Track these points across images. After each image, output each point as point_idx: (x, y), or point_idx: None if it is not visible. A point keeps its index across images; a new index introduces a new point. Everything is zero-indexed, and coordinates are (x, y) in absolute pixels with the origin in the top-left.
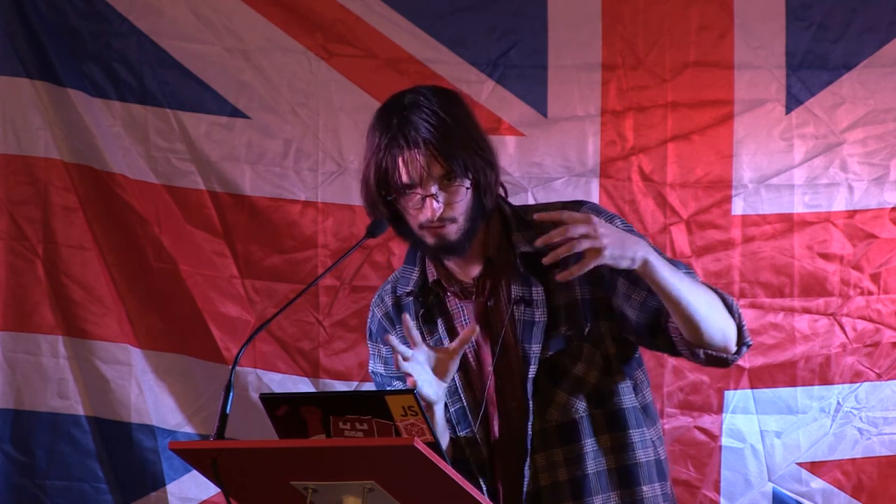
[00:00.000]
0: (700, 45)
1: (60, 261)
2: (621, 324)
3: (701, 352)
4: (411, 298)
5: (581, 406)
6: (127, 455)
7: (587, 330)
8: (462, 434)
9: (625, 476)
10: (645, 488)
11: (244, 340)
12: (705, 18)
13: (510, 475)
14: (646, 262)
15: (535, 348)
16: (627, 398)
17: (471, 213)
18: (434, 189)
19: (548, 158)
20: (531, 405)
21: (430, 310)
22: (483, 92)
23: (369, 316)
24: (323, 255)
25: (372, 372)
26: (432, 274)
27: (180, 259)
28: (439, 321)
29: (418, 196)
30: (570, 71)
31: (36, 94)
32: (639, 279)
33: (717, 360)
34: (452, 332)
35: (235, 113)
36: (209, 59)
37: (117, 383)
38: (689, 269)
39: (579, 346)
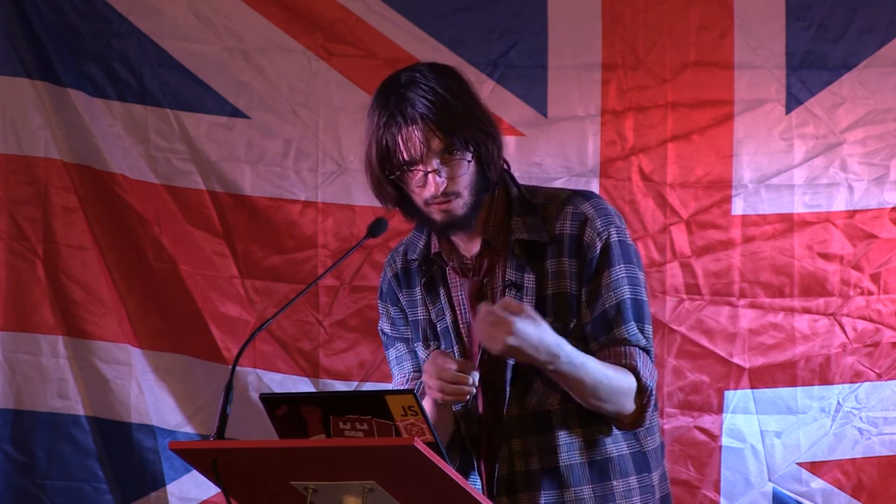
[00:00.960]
0: (700, 45)
1: (60, 261)
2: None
3: None
4: (416, 265)
5: (556, 398)
6: (127, 455)
7: (572, 324)
8: (457, 408)
9: (596, 470)
10: (615, 483)
11: (244, 340)
12: (705, 18)
13: (490, 456)
14: (545, 369)
15: None
16: None
17: (475, 186)
18: (435, 164)
19: (548, 158)
20: (508, 390)
21: (434, 279)
22: (483, 92)
23: (382, 276)
24: (323, 255)
25: (380, 329)
26: (435, 246)
27: (180, 259)
28: (441, 291)
29: (420, 173)
30: (570, 71)
31: (36, 94)
32: (596, 296)
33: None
34: (452, 304)
35: (235, 113)
36: (209, 59)
37: (117, 383)
38: (642, 322)
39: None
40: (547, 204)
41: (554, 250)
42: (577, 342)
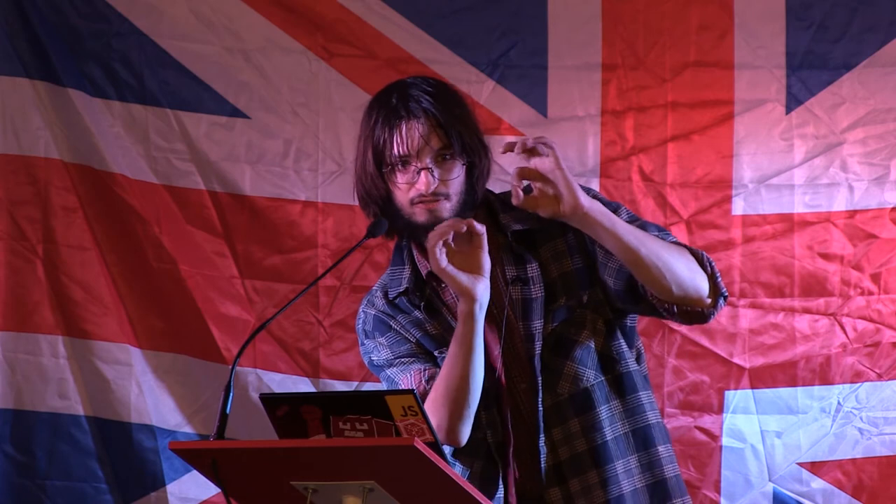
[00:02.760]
0: (700, 45)
1: (60, 261)
2: (605, 292)
3: (675, 307)
4: (404, 298)
5: (591, 374)
6: (127, 455)
7: (586, 298)
8: (485, 413)
9: (640, 438)
10: (661, 448)
11: (244, 340)
12: (705, 18)
13: (525, 456)
14: (580, 213)
15: (538, 324)
16: (632, 362)
17: (462, 196)
18: (429, 162)
19: None
20: (540, 381)
21: (431, 301)
22: (483, 92)
23: (360, 320)
24: (323, 255)
25: (370, 363)
26: (425, 267)
27: (180, 259)
28: (444, 310)
29: (413, 168)
30: (570, 71)
31: (36, 94)
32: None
33: (693, 315)
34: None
35: (235, 113)
36: (209, 59)
37: (117, 383)
38: (662, 231)
39: (582, 315)
40: None
41: (544, 235)
42: (595, 313)
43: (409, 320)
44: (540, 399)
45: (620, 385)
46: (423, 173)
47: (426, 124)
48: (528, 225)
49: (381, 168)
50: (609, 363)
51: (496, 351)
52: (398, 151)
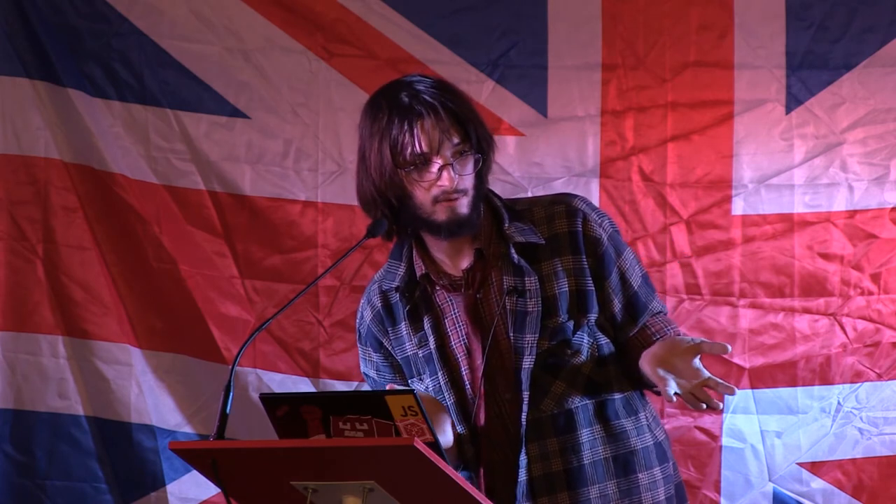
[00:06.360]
0: (700, 45)
1: (60, 261)
2: (609, 321)
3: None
4: (398, 295)
5: (577, 396)
6: (127, 455)
7: (585, 320)
8: (466, 426)
9: (621, 464)
10: (641, 475)
11: (244, 340)
12: (705, 18)
13: (501, 468)
14: None
15: (530, 339)
16: (619, 386)
17: (476, 190)
18: (450, 158)
19: (548, 158)
20: (526, 396)
21: (417, 306)
22: (483, 92)
23: (358, 318)
24: (323, 255)
25: (364, 373)
26: (420, 268)
27: (180, 259)
28: (425, 318)
29: (437, 165)
30: (570, 71)
31: (36, 94)
32: (621, 284)
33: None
34: (438, 328)
35: (235, 113)
36: (209, 59)
37: (117, 383)
38: (652, 296)
39: (580, 337)
40: (531, 208)
41: (551, 250)
42: (591, 337)
43: (396, 336)
44: (524, 414)
45: (606, 410)
46: (446, 169)
47: (445, 120)
48: (531, 238)
49: (401, 167)
50: (597, 388)
51: (478, 361)
52: (419, 149)
